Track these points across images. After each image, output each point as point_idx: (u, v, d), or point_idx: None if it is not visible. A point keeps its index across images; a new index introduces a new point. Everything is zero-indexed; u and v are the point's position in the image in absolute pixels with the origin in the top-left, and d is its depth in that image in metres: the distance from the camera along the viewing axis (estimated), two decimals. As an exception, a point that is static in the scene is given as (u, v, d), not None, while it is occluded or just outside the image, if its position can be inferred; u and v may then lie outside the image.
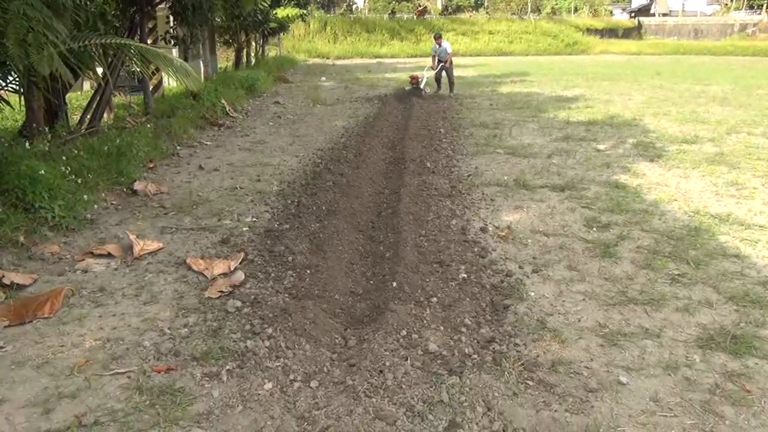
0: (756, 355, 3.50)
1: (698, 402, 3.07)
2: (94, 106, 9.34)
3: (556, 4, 72.30)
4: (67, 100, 8.91)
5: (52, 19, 5.32)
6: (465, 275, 4.57)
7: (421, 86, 16.53)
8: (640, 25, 57.90)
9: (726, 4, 66.68)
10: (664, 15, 63.13)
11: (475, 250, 5.16)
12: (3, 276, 4.30)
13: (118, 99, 11.85)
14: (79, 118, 9.24)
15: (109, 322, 3.87)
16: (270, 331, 3.65)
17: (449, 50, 17.01)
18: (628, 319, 3.95)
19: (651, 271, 4.72)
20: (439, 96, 16.81)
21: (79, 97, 12.86)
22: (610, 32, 54.65)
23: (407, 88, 16.66)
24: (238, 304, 4.07)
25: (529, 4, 55.46)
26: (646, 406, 3.04)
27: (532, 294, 4.33)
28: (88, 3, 6.10)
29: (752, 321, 3.91)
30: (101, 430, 2.81)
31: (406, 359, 3.39)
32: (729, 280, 4.55)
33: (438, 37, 17.18)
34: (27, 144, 6.48)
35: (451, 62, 17.17)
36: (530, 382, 3.21)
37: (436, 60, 17.07)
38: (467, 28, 47.95)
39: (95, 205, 6.02)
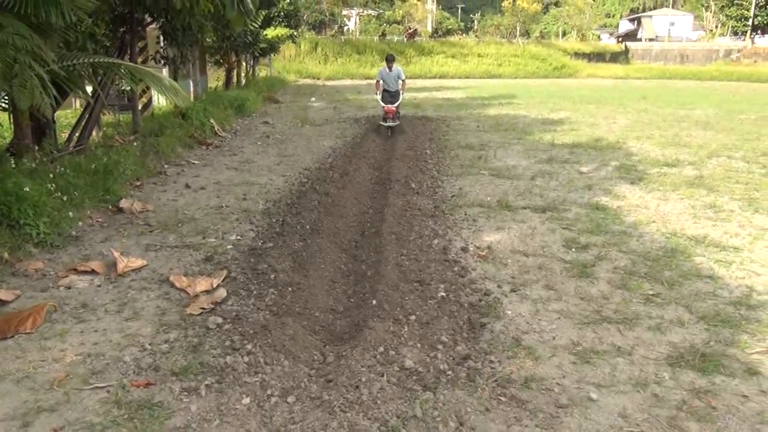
0: (723, 373, 3.59)
1: (665, 418, 3.15)
2: (82, 124, 9.42)
3: (545, 29, 73.27)
4: (55, 118, 8.98)
5: (41, 48, 5.42)
6: (444, 294, 4.65)
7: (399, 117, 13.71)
8: (627, 50, 58.82)
9: (711, 30, 67.82)
10: (651, 40, 64.18)
11: (455, 269, 5.24)
12: (-14, 292, 4.34)
13: (107, 117, 11.93)
14: (67, 135, 9.32)
15: (91, 337, 3.91)
16: (249, 347, 3.71)
17: (403, 76, 13.53)
18: (601, 338, 4.04)
19: (626, 291, 4.81)
20: (425, 119, 16.87)
21: (68, 114, 12.93)
22: (598, 56, 55.48)
23: (385, 124, 13.28)
24: (219, 320, 4.12)
25: (518, 28, 56.15)
26: (614, 422, 3.11)
27: (509, 312, 4.41)
28: (78, 24, 6.20)
29: (722, 340, 4.01)
30: (79, 443, 2.85)
31: (383, 375, 3.45)
32: (701, 300, 4.65)
33: (390, 59, 13.53)
34: (14, 161, 6.53)
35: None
36: (502, 398, 3.28)
37: (381, 89, 13.36)
38: (457, 50, 48.59)
39: (80, 223, 6.07)
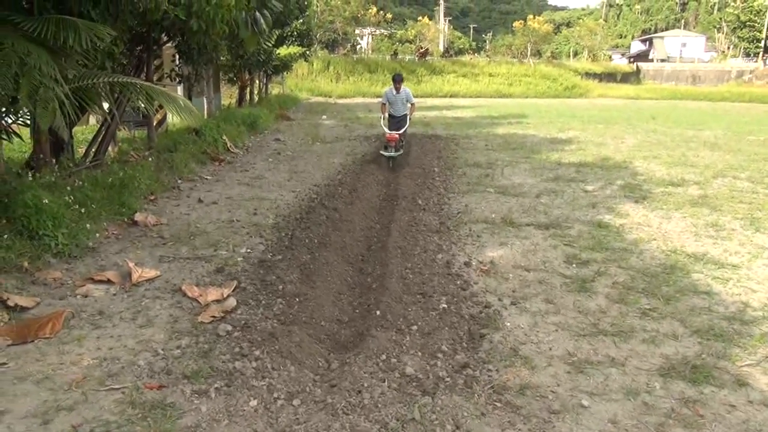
0: (713, 384, 3.73)
1: (654, 425, 3.29)
2: (99, 139, 9.69)
3: (556, 49, 73.64)
4: (73, 134, 9.26)
5: (62, 70, 5.70)
6: (446, 306, 4.81)
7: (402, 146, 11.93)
8: (638, 70, 59.04)
9: (723, 52, 67.99)
10: (662, 61, 64.42)
11: (458, 282, 5.40)
12: (8, 299, 4.54)
13: (122, 133, 12.23)
14: (84, 151, 9.59)
15: (107, 342, 4.10)
16: (257, 353, 3.89)
17: (413, 100, 11.88)
18: (596, 349, 4.18)
19: (623, 306, 4.96)
20: (434, 137, 17.05)
21: (84, 130, 13.23)
22: (609, 77, 55.72)
23: (386, 153, 11.42)
24: (229, 328, 4.30)
25: (530, 48, 56.55)
26: (603, 427, 3.26)
27: (508, 324, 4.56)
28: (98, 43, 6.47)
29: (713, 353, 4.14)
30: (96, 439, 3.03)
31: (384, 381, 3.61)
32: (696, 315, 4.78)
33: (398, 80, 11.68)
34: (33, 175, 6.78)
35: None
36: (498, 404, 3.44)
37: (387, 113, 11.95)
38: (468, 70, 48.94)
39: (97, 234, 6.29)
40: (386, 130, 11.67)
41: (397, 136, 11.37)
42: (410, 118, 11.91)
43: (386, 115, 11.94)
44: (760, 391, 3.68)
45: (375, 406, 3.36)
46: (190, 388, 3.51)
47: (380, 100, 12.50)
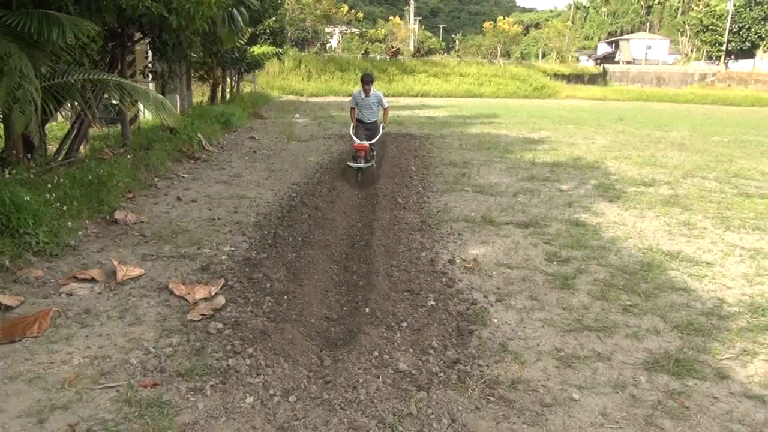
0: (695, 377, 3.86)
1: (642, 416, 3.39)
2: (72, 136, 9.54)
3: (525, 50, 74.40)
4: (46, 130, 9.10)
5: (40, 71, 5.63)
6: (433, 303, 4.87)
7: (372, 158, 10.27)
8: (605, 72, 60.03)
9: (687, 55, 69.53)
10: (628, 63, 65.59)
11: (443, 280, 5.47)
12: (-9, 297, 4.47)
13: (94, 130, 12.03)
14: (56, 148, 9.43)
15: (96, 341, 4.07)
16: (250, 350, 3.90)
17: (385, 103, 10.26)
18: (582, 344, 4.29)
19: (605, 302, 5.08)
20: (409, 136, 17.12)
21: (53, 127, 12.99)
22: (577, 78, 56.58)
23: (354, 165, 9.78)
24: (220, 326, 4.30)
25: (499, 49, 57.07)
26: (595, 420, 3.35)
27: (496, 321, 4.64)
28: (80, 39, 6.37)
29: (694, 347, 4.28)
30: (94, 437, 3.02)
31: (378, 377, 3.66)
32: (676, 311, 4.92)
33: (367, 81, 10.02)
34: (9, 171, 6.65)
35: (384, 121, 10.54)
36: (491, 398, 3.51)
37: (356, 119, 10.35)
38: (438, 69, 49.23)
39: (79, 233, 6.21)
40: (354, 138, 10.00)
41: (366, 145, 9.78)
42: (384, 126, 10.37)
43: (354, 118, 10.38)
44: (741, 383, 3.82)
45: (371, 402, 3.41)
46: (185, 386, 3.51)
47: (349, 105, 10.81)
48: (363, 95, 10.05)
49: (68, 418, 3.17)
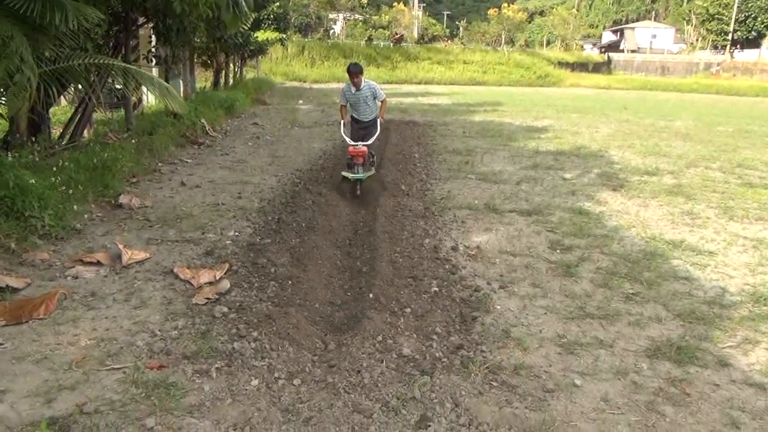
0: (697, 364, 3.89)
1: (643, 402, 3.42)
2: (76, 120, 9.55)
3: (530, 37, 73.99)
4: (50, 114, 9.10)
5: (45, 55, 5.62)
6: (437, 289, 4.90)
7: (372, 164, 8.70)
8: (609, 61, 59.72)
9: (692, 44, 69.10)
10: (633, 51, 65.24)
11: (447, 267, 5.50)
12: (-2, 279, 4.51)
13: (97, 115, 12.02)
14: (60, 132, 9.43)
15: (102, 323, 4.10)
16: (255, 334, 3.93)
17: (381, 95, 8.42)
18: (584, 331, 4.32)
19: (608, 290, 5.10)
20: (412, 124, 17.06)
21: (56, 111, 12.99)
22: (581, 66, 56.31)
23: (350, 175, 7.97)
24: (225, 309, 4.33)
25: (504, 36, 56.79)
26: (597, 405, 3.38)
27: (499, 307, 4.67)
28: (84, 24, 6.35)
29: (696, 335, 4.30)
30: (102, 417, 3.05)
31: (382, 361, 3.69)
32: (678, 299, 4.95)
33: (355, 72, 8.10)
34: (14, 154, 6.67)
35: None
36: (494, 383, 3.54)
37: (348, 115, 8.72)
38: (442, 57, 49.04)
39: (85, 216, 6.23)
40: (348, 140, 8.41)
41: (364, 149, 8.03)
42: (381, 121, 8.59)
43: (347, 120, 8.70)
44: (742, 371, 3.85)
45: (375, 385, 3.44)
46: (191, 368, 3.55)
47: (338, 100, 9.32)
48: (353, 89, 8.26)
49: (76, 398, 3.21)
